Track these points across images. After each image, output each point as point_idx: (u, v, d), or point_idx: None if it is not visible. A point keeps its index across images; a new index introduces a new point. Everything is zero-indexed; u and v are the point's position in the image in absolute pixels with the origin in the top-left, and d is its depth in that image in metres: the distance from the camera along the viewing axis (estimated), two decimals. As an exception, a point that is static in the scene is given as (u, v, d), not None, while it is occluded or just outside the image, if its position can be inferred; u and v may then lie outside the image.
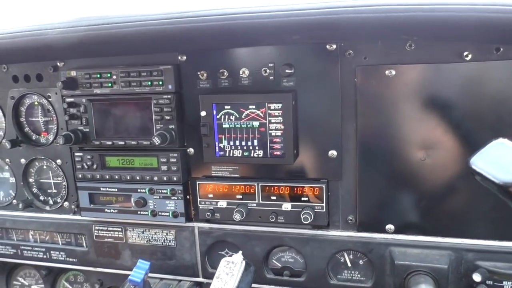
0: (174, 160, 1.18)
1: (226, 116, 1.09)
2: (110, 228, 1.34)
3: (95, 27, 0.95)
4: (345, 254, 1.16)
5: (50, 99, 1.31)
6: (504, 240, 1.02)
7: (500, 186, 0.58)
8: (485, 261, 1.03)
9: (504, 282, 1.01)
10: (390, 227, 1.09)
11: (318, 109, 1.07)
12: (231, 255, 0.89)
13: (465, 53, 0.95)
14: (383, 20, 0.80)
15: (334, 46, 1.02)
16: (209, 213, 1.18)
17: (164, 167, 1.20)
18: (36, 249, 1.46)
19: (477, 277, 1.01)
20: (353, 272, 1.16)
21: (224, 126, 1.09)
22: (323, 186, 1.10)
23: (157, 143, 1.11)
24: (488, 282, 1.02)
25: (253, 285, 0.99)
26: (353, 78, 1.04)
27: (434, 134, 1.01)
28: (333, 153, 1.09)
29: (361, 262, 1.15)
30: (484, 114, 0.97)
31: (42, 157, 1.38)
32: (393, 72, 1.00)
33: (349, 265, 1.16)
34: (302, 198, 1.12)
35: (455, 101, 0.98)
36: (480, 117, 0.97)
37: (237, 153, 1.10)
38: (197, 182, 1.19)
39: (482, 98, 0.96)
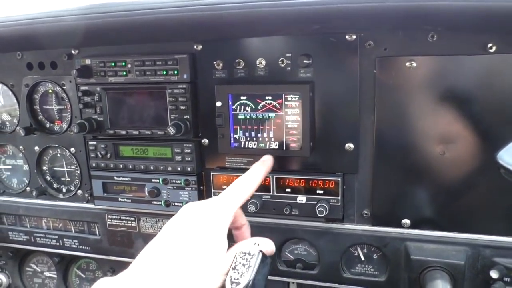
0: (188, 150, 1.18)
1: (242, 107, 1.07)
2: (123, 217, 1.34)
3: (113, 14, 0.94)
4: (359, 248, 1.15)
5: (64, 87, 1.30)
6: (522, 237, 1.01)
7: None
8: (503, 258, 1.01)
9: (522, 279, 1.00)
10: (406, 221, 1.08)
11: (335, 101, 1.05)
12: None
13: (489, 45, 0.93)
14: (408, 9, 0.78)
15: (354, 37, 1.00)
16: (222, 204, 1.17)
17: (178, 158, 1.19)
18: (49, 236, 1.47)
19: (494, 274, 0.99)
20: (366, 266, 1.15)
21: (239, 117, 1.08)
22: (339, 179, 1.08)
23: (172, 133, 1.11)
24: (505, 279, 1.00)
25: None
26: (372, 69, 1.01)
27: (454, 128, 0.99)
28: (349, 146, 1.07)
29: (375, 256, 1.14)
30: (507, 108, 0.94)
31: (56, 145, 1.38)
32: (414, 64, 0.98)
33: (363, 259, 1.15)
34: (318, 191, 1.10)
35: (477, 95, 0.96)
36: (502, 111, 0.95)
37: (252, 144, 1.09)
38: (211, 173, 1.18)
39: (506, 91, 0.94)
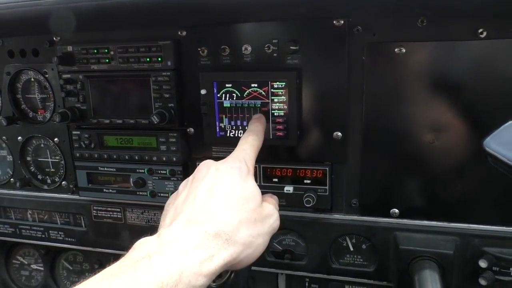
0: (174, 140, 1.15)
1: (227, 95, 1.04)
2: (109, 209, 1.31)
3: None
4: (348, 238, 1.13)
5: (46, 75, 1.27)
6: (511, 225, 0.99)
7: None
8: (492, 247, 1.00)
9: (511, 269, 0.99)
10: (394, 211, 1.06)
11: (323, 88, 1.03)
12: None
13: (480, 30, 0.90)
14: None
15: (342, 22, 0.97)
16: (209, 195, 1.15)
17: (163, 147, 1.17)
18: (35, 228, 1.44)
19: (483, 263, 0.98)
20: (355, 256, 1.14)
21: (225, 105, 1.05)
22: (327, 168, 1.06)
23: (155, 122, 1.08)
24: (494, 268, 0.99)
25: (253, 268, 0.96)
26: (361, 55, 0.99)
27: (444, 116, 0.97)
28: (338, 134, 1.05)
29: (364, 246, 1.12)
30: (498, 95, 0.92)
31: (39, 135, 1.34)
32: (403, 50, 0.95)
33: (352, 249, 1.13)
34: (305, 181, 1.08)
35: (467, 81, 0.94)
36: (493, 98, 0.93)
37: (238, 133, 1.06)
38: (197, 163, 1.15)
39: (497, 78, 0.91)
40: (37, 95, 1.31)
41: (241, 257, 0.69)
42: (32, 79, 1.30)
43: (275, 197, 0.86)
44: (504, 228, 0.99)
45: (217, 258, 0.64)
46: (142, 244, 0.64)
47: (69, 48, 1.17)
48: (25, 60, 1.28)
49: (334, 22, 0.97)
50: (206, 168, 0.78)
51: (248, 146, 0.85)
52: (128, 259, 0.61)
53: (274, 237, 1.19)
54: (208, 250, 0.63)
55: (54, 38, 1.22)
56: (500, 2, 0.78)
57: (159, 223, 0.77)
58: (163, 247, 0.62)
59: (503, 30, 0.89)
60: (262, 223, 0.75)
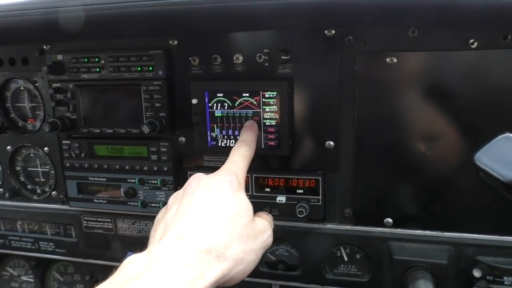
0: (165, 149, 1.14)
1: (219, 104, 1.04)
2: (100, 219, 1.29)
3: (80, 7, 0.89)
4: (342, 248, 1.12)
5: (36, 84, 1.25)
6: (505, 234, 0.99)
7: (505, 184, 0.54)
8: (486, 256, 0.99)
9: (505, 278, 0.98)
10: (388, 220, 1.05)
11: (315, 97, 1.02)
12: None
13: (471, 41, 0.90)
14: (382, 4, 0.75)
15: (333, 32, 0.97)
16: (201, 205, 1.14)
17: (154, 157, 1.15)
18: (25, 239, 1.41)
19: (477, 273, 0.98)
20: (349, 266, 1.13)
21: (216, 114, 1.04)
22: (320, 178, 1.06)
23: (146, 132, 1.06)
24: (488, 277, 0.99)
25: (246, 278, 0.95)
26: (352, 65, 0.98)
27: (436, 126, 0.97)
28: (330, 143, 1.04)
29: (358, 256, 1.12)
30: (489, 105, 0.92)
31: (29, 144, 1.33)
32: (395, 60, 0.95)
33: (346, 259, 1.12)
34: (298, 191, 1.07)
35: (459, 91, 0.94)
36: (485, 108, 0.93)
37: (230, 142, 1.05)
38: (188, 173, 1.14)
39: (488, 88, 0.92)
40: (27, 104, 1.30)
41: (232, 273, 0.67)
42: (22, 88, 1.29)
43: (270, 215, 0.85)
44: (498, 237, 0.99)
45: (208, 275, 0.62)
46: (131, 263, 0.63)
47: (59, 57, 1.16)
48: (14, 68, 1.26)
49: (326, 32, 0.97)
50: (197, 182, 0.76)
51: (239, 158, 0.84)
52: (116, 280, 0.60)
53: (270, 245, 1.18)
54: (199, 268, 0.62)
55: (44, 47, 1.20)
56: (489, 14, 0.78)
57: (150, 233, 0.76)
58: (153, 267, 0.60)
59: (494, 41, 0.89)
60: (255, 239, 0.73)
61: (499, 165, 0.54)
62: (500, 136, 0.57)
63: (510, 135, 0.56)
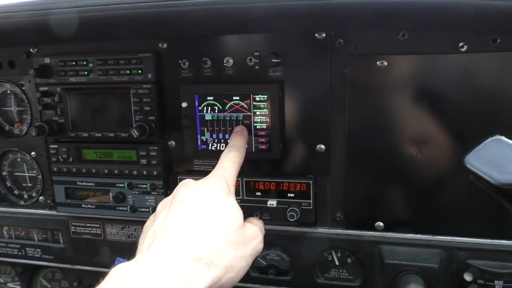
0: (154, 153, 1.12)
1: (209, 108, 1.03)
2: (88, 224, 1.27)
3: (66, 10, 0.88)
4: (333, 252, 1.12)
5: (23, 88, 1.23)
6: (496, 238, 0.99)
7: (496, 187, 0.53)
8: (477, 260, 0.99)
9: (496, 281, 0.98)
10: (379, 224, 1.05)
11: (306, 100, 1.02)
12: None
13: (461, 44, 0.91)
14: (372, 7, 0.75)
15: (324, 35, 0.97)
16: (191, 209, 1.13)
17: (143, 161, 1.14)
18: (11, 245, 1.38)
19: (468, 277, 0.97)
20: (341, 270, 1.12)
21: (206, 118, 1.03)
22: (310, 182, 1.05)
23: (135, 136, 1.05)
24: (479, 281, 0.99)
25: (237, 284, 0.94)
26: (343, 68, 0.98)
27: (427, 129, 0.97)
28: (321, 147, 1.04)
29: (349, 260, 1.11)
30: (479, 108, 0.93)
31: (16, 149, 1.31)
32: (385, 63, 0.95)
33: (337, 263, 1.12)
34: (289, 194, 1.07)
35: (449, 94, 0.94)
36: (475, 111, 0.93)
37: (220, 146, 1.04)
38: (178, 177, 1.13)
39: (478, 91, 0.92)
40: (14, 107, 1.28)
41: (222, 281, 0.66)
42: (9, 92, 1.27)
43: (261, 221, 0.83)
44: (489, 240, 0.99)
45: (197, 284, 0.61)
46: (118, 272, 0.61)
47: (47, 60, 1.14)
48: (1, 72, 1.24)
49: (316, 35, 0.97)
50: (186, 188, 0.75)
51: (229, 163, 0.83)
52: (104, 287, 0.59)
53: (261, 252, 1.17)
54: (188, 276, 0.60)
55: (31, 50, 1.19)
56: (478, 17, 0.78)
57: (139, 240, 0.75)
58: (140, 276, 0.59)
59: (483, 44, 0.90)
60: (245, 245, 0.72)
61: (489, 168, 0.54)
62: (490, 139, 0.56)
63: (500, 137, 0.56)
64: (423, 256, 1.01)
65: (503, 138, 0.56)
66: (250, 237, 0.75)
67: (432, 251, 1.01)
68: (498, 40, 0.89)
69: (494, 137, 0.57)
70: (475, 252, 0.99)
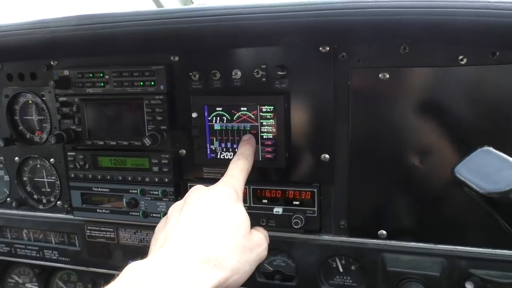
0: (166, 161, 1.17)
1: (218, 118, 1.07)
2: (102, 228, 1.33)
3: (82, 26, 0.94)
4: (337, 259, 1.14)
5: (44, 98, 1.30)
6: (498, 248, 1.00)
7: (484, 196, 0.56)
8: (478, 269, 1.00)
9: (497, 291, 0.99)
10: (382, 232, 1.07)
11: (311, 111, 1.05)
12: None
13: (460, 57, 0.93)
14: (372, 23, 0.78)
15: (328, 48, 1.00)
16: (200, 215, 1.17)
17: (155, 168, 1.19)
18: (30, 247, 1.45)
19: (469, 286, 0.99)
20: (345, 277, 1.15)
21: (215, 128, 1.08)
22: (315, 190, 1.08)
23: (148, 144, 1.10)
24: (481, 290, 1.00)
25: (244, 288, 0.97)
26: (346, 80, 1.02)
27: (429, 139, 0.99)
28: (325, 156, 1.07)
29: (353, 267, 1.13)
30: (480, 119, 0.95)
31: (36, 155, 1.37)
32: (387, 76, 0.98)
33: (341, 270, 1.14)
34: (294, 202, 1.10)
35: (450, 106, 0.96)
36: (476, 122, 0.95)
37: (229, 155, 1.08)
38: (189, 184, 1.18)
39: (478, 103, 0.94)
40: (35, 117, 1.35)
41: (228, 282, 0.69)
42: (30, 102, 1.34)
43: (266, 230, 0.87)
44: (491, 250, 1.00)
45: (205, 283, 0.65)
46: (132, 269, 0.65)
47: (66, 72, 1.20)
48: (23, 83, 1.32)
49: (320, 48, 1.01)
50: (197, 194, 0.79)
51: (238, 171, 0.87)
52: (118, 284, 0.62)
53: (264, 258, 1.20)
54: (197, 276, 0.64)
55: (52, 63, 1.25)
56: (477, 32, 0.81)
57: (150, 242, 0.79)
58: (153, 273, 0.63)
59: (483, 57, 0.92)
60: (251, 251, 0.76)
61: (477, 178, 0.57)
62: (478, 150, 0.59)
63: (488, 148, 0.59)
64: (425, 264, 1.03)
65: (491, 149, 0.59)
66: (256, 243, 0.79)
67: (434, 259, 1.03)
68: (497, 53, 0.91)
69: (482, 148, 0.59)
70: (477, 262, 1.01)
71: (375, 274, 1.08)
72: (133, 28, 0.94)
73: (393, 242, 1.07)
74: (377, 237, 1.08)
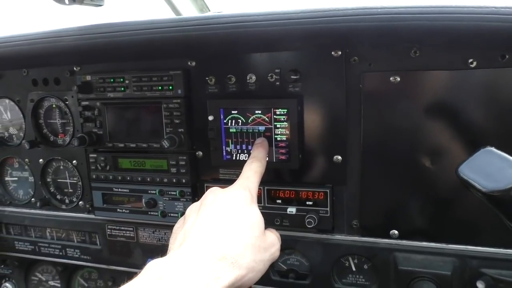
0: (183, 162, 1.22)
1: (233, 121, 1.11)
2: (122, 228, 1.38)
3: (108, 34, 0.99)
4: (350, 258, 1.17)
5: (67, 102, 1.36)
6: (509, 247, 1.01)
7: (486, 194, 0.58)
8: (490, 269, 1.02)
9: (509, 290, 1.01)
10: (394, 232, 1.09)
11: (323, 114, 1.09)
12: None
13: (470, 60, 0.95)
14: (382, 29, 0.81)
15: (340, 53, 1.03)
16: (216, 215, 1.21)
17: (173, 169, 1.23)
18: (53, 246, 1.51)
19: (481, 285, 1.00)
20: (357, 276, 1.17)
21: (231, 130, 1.12)
22: (328, 190, 1.11)
23: (166, 146, 1.15)
24: (492, 289, 1.01)
25: (258, 286, 1.00)
26: (358, 84, 1.04)
27: (439, 141, 1.01)
28: (338, 158, 1.10)
29: (365, 266, 1.16)
30: (490, 121, 0.96)
31: (59, 157, 1.43)
32: (398, 79, 1.00)
33: (354, 269, 1.17)
34: (307, 202, 1.13)
35: (460, 108, 0.98)
36: (486, 124, 0.97)
37: (244, 157, 1.12)
38: (205, 185, 1.22)
39: (488, 105, 0.96)
40: (58, 120, 1.41)
41: (243, 280, 0.73)
42: (54, 106, 1.40)
43: (277, 232, 0.90)
44: (502, 250, 1.02)
45: (222, 280, 0.68)
46: (153, 266, 0.69)
47: (88, 78, 1.26)
48: (47, 88, 1.38)
49: (333, 53, 1.04)
50: (213, 195, 0.83)
51: (252, 173, 0.91)
52: (140, 279, 0.66)
53: (279, 257, 1.23)
54: (215, 273, 0.68)
55: (75, 68, 1.31)
56: (485, 35, 0.83)
57: (169, 242, 0.82)
58: (173, 269, 0.66)
59: (492, 60, 0.94)
60: (265, 250, 0.79)
61: (480, 177, 0.59)
62: (481, 150, 0.61)
63: (490, 148, 0.61)
64: (436, 263, 1.05)
65: (493, 149, 0.61)
66: (270, 243, 0.82)
67: (445, 259, 1.05)
68: (507, 56, 0.93)
69: (485, 148, 0.62)
70: (488, 261, 1.02)
71: (387, 273, 1.11)
72: (152, 36, 0.98)
73: (404, 242, 1.09)
74: (389, 236, 1.10)
